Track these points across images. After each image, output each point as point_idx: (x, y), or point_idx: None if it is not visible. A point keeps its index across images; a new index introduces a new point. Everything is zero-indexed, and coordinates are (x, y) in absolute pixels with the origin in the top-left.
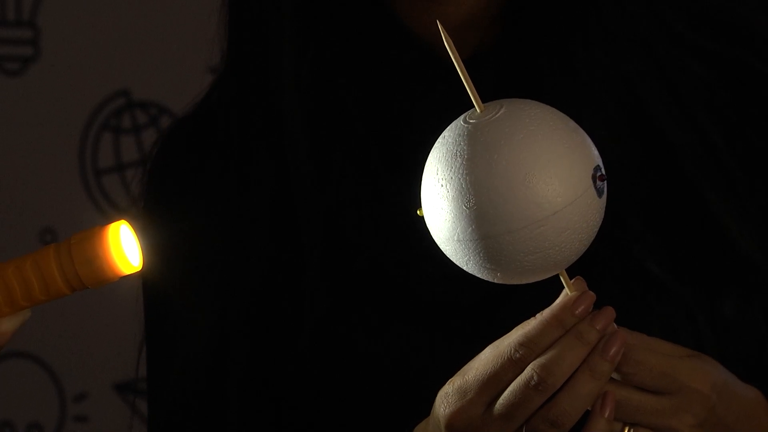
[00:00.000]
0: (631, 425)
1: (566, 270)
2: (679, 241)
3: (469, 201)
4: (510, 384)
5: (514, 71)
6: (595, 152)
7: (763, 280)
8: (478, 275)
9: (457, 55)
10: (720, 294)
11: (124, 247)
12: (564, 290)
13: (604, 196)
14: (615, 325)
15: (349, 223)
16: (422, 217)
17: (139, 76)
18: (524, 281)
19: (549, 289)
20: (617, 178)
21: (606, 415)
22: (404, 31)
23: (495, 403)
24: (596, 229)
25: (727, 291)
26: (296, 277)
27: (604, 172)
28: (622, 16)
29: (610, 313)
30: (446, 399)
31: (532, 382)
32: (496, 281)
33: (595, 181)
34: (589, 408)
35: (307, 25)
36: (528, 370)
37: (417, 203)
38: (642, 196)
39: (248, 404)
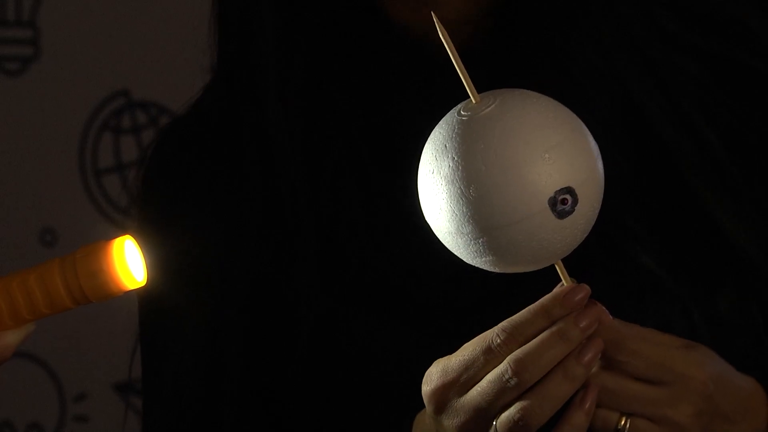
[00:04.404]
0: (628, 415)
1: (563, 263)
2: (674, 237)
3: (465, 193)
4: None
5: (505, 67)
6: (592, 141)
7: (760, 276)
8: (478, 265)
9: (453, 46)
10: (716, 290)
11: (129, 262)
12: (560, 283)
13: (602, 178)
14: (611, 317)
15: (343, 224)
16: (420, 212)
17: (139, 76)
18: (522, 270)
19: (547, 288)
20: (612, 176)
21: (585, 408)
22: (394, 30)
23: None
24: (595, 216)
25: (722, 287)
26: (291, 279)
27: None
28: (614, 16)
29: (595, 312)
30: (428, 377)
31: (506, 376)
32: (495, 270)
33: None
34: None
35: (293, 26)
36: (504, 363)
37: (411, 201)
38: (637, 193)
39: (245, 408)
